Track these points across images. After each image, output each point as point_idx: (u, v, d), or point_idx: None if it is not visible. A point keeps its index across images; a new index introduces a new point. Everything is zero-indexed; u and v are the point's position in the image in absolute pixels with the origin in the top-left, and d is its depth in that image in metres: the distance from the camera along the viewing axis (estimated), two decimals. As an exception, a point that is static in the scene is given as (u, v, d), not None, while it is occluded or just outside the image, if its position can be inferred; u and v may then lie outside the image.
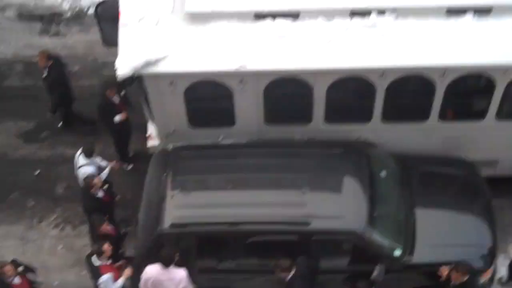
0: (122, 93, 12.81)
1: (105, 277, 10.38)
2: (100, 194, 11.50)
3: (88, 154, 11.99)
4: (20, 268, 10.56)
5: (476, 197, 11.43)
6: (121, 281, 10.55)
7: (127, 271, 10.59)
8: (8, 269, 10.29)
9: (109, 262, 10.54)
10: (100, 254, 10.37)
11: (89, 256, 10.60)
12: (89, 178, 11.37)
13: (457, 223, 11.01)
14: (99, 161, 12.20)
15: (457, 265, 9.92)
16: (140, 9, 11.40)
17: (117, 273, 10.62)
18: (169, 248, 10.18)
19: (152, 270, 10.19)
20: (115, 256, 10.82)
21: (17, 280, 10.46)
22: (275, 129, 11.77)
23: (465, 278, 9.87)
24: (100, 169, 11.98)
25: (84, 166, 11.95)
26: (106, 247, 10.35)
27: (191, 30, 11.12)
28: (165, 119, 11.75)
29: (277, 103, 11.61)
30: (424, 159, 11.88)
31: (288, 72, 11.03)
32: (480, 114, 11.62)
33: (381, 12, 10.94)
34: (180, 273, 10.16)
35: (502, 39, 10.82)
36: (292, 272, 10.01)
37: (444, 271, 10.21)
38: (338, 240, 10.51)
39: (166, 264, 10.06)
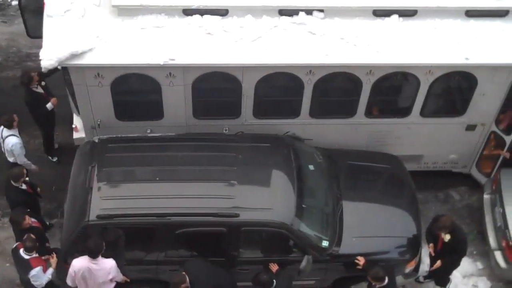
0: (43, 83, 12.55)
1: (36, 269, 10.14)
2: (24, 186, 11.22)
3: (9, 125, 11.83)
4: None
5: (401, 190, 11.67)
6: (49, 272, 10.34)
7: (54, 261, 10.38)
8: None
9: (36, 255, 10.26)
10: (29, 248, 10.10)
11: (16, 250, 10.32)
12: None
13: (383, 215, 11.20)
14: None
15: (370, 274, 10.04)
16: (66, 1, 11.17)
17: (45, 265, 10.38)
18: (96, 238, 9.99)
19: (80, 262, 9.98)
20: (42, 249, 10.54)
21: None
22: (204, 123, 11.76)
23: (384, 283, 10.01)
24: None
25: (9, 137, 11.82)
26: (33, 240, 10.12)
27: (118, 23, 11.00)
28: (90, 111, 11.54)
29: (206, 97, 11.60)
30: (351, 154, 12.06)
31: (216, 67, 11.05)
32: (405, 111, 11.90)
33: (309, 12, 11.08)
34: (109, 263, 9.99)
35: (426, 39, 11.11)
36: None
37: (361, 259, 10.40)
38: (266, 232, 10.52)
39: (94, 255, 9.87)
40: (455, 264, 10.95)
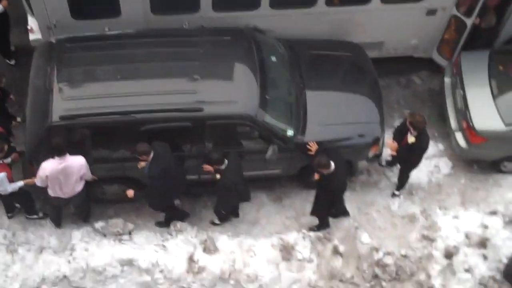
0: None
1: (1, 175, 10.10)
2: None
3: None
4: None
5: (363, 77, 11.72)
6: (18, 184, 10.34)
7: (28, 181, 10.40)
8: None
9: (0, 161, 10.24)
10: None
11: None
12: None
13: (346, 102, 11.30)
14: None
15: (314, 163, 10.08)
16: None
17: (10, 171, 10.35)
18: (58, 137, 9.97)
19: (50, 164, 9.98)
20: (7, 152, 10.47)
21: None
22: (163, 19, 11.53)
23: (330, 169, 10.05)
24: None
25: None
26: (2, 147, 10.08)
27: None
28: (45, 11, 11.22)
29: (164, -10, 11.34)
30: (312, 43, 12.00)
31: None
32: (366, -2, 11.80)
33: None
34: (78, 160, 10.06)
35: None
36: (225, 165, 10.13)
37: (313, 145, 10.55)
38: (232, 124, 10.58)
39: (61, 153, 9.87)
40: (412, 165, 11.13)
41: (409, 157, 10.91)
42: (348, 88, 11.47)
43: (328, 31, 12.15)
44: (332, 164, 9.96)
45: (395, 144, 10.83)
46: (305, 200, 11.44)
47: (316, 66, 11.65)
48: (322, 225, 11.14)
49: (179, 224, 11.01)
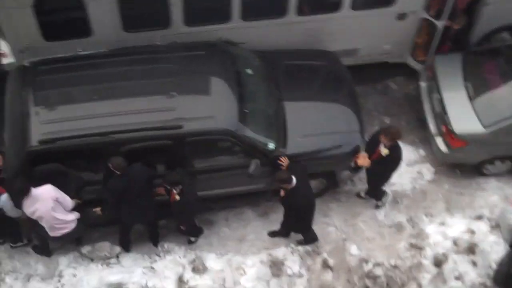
0: None
1: (4, 196, 10.09)
2: None
3: None
4: None
5: (340, 86, 11.68)
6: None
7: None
8: None
9: None
10: None
11: None
12: None
13: (325, 112, 11.24)
14: None
15: (276, 178, 10.07)
16: None
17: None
18: (17, 179, 9.86)
19: (24, 206, 9.87)
20: None
21: None
22: (135, 36, 11.41)
23: (292, 184, 9.97)
24: None
25: None
26: None
27: None
28: (16, 35, 11.09)
29: (134, 9, 11.21)
30: (287, 54, 11.95)
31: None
32: (337, 6, 11.77)
33: None
34: (44, 189, 9.89)
35: None
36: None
37: (284, 160, 10.48)
38: (212, 140, 10.50)
39: (26, 193, 9.74)
40: (384, 178, 11.11)
41: (382, 170, 10.85)
42: (326, 97, 11.43)
43: (301, 41, 12.11)
44: (294, 179, 9.93)
45: (366, 160, 10.70)
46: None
47: (292, 76, 11.60)
48: (308, 239, 11.09)
49: (166, 245, 10.92)
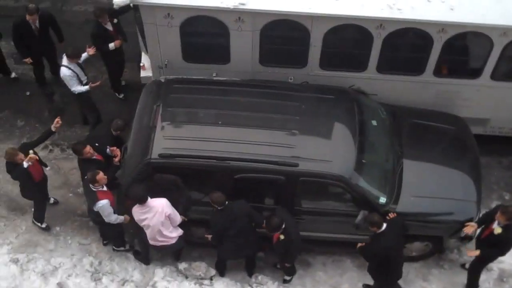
0: (115, 21, 12.61)
1: (102, 202, 10.34)
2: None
3: (72, 56, 11.92)
4: (31, 152, 10.86)
5: (464, 153, 11.43)
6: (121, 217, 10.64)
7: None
8: (19, 158, 10.64)
9: (104, 188, 10.47)
10: (93, 182, 10.31)
11: (86, 181, 10.55)
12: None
13: (443, 176, 11.02)
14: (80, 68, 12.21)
15: (367, 218, 10.04)
16: None
17: (112, 199, 10.58)
18: (137, 185, 10.24)
19: (134, 210, 10.26)
20: (111, 184, 10.78)
21: (26, 164, 10.74)
22: (269, 71, 11.71)
23: (382, 228, 9.92)
24: (78, 76, 12.06)
25: (62, 67, 11.97)
26: (100, 176, 10.29)
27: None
28: (159, 51, 11.62)
29: (274, 44, 11.53)
30: (415, 112, 11.85)
31: (286, 14, 10.91)
32: (476, 73, 11.58)
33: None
34: (159, 202, 10.18)
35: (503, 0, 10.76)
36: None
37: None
38: (324, 184, 10.49)
39: (141, 200, 10.10)
40: (492, 258, 10.66)
41: (490, 249, 10.35)
42: (447, 162, 11.20)
43: (433, 101, 11.98)
44: (385, 225, 9.90)
45: (473, 229, 10.38)
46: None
47: (417, 135, 11.48)
48: None
49: (260, 277, 11.00)
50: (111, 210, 10.45)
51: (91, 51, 12.36)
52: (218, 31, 11.24)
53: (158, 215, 10.15)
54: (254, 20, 11.01)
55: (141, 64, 12.42)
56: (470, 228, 10.39)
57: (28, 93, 13.77)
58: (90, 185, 10.37)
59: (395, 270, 10.35)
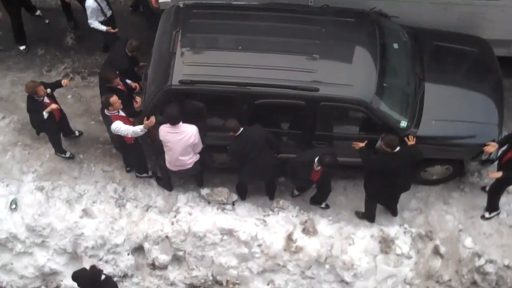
0: None
1: (116, 123, 10.45)
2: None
3: None
4: (48, 90, 11.03)
5: (487, 75, 11.27)
6: (139, 127, 10.55)
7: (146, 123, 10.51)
8: (41, 89, 10.80)
9: (118, 113, 10.55)
10: (107, 105, 10.38)
11: (102, 108, 10.65)
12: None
13: (465, 99, 10.94)
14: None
15: (384, 139, 10.01)
16: None
17: (129, 123, 10.69)
18: (174, 105, 10.23)
19: (162, 128, 10.29)
20: (130, 112, 10.91)
21: (47, 100, 10.98)
22: (289, -6, 11.52)
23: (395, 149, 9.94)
24: (102, 9, 12.07)
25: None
26: (114, 99, 10.34)
27: None
28: (176, -24, 11.46)
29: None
30: (438, 34, 11.62)
31: None
32: (499, -7, 11.33)
33: None
34: (190, 128, 10.25)
35: None
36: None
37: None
38: (345, 108, 10.50)
39: (174, 122, 10.12)
40: (507, 183, 10.66)
41: (508, 175, 10.34)
42: (469, 85, 11.09)
43: (455, 23, 11.72)
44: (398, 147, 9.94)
45: (494, 148, 10.35)
46: (410, 195, 11.22)
47: (439, 58, 11.30)
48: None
49: (281, 202, 11.13)
50: (127, 126, 10.50)
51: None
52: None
53: (185, 141, 10.23)
54: None
55: (159, -11, 12.26)
56: (491, 148, 10.36)
57: (47, 21, 13.66)
58: (105, 110, 10.48)
59: (400, 185, 10.53)
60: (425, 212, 11.32)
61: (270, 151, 10.60)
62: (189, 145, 10.32)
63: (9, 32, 13.38)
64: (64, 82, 11.36)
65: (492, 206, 11.10)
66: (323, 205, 11.41)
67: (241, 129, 10.20)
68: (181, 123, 10.18)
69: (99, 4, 11.94)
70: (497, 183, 10.77)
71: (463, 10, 11.58)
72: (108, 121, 10.54)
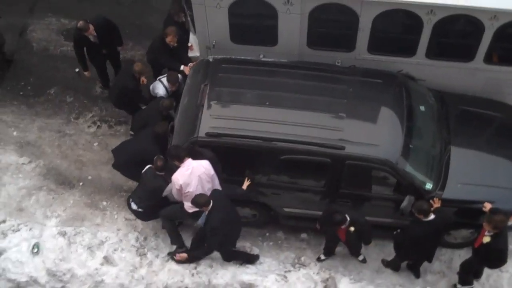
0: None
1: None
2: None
3: (173, 82, 11.97)
4: None
5: (510, 141, 11.27)
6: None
7: None
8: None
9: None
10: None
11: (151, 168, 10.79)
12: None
13: (491, 164, 10.93)
14: None
15: (416, 205, 9.95)
16: None
17: None
18: (175, 147, 10.44)
19: (177, 173, 10.33)
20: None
21: None
22: (316, 54, 11.65)
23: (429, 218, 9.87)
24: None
25: (161, 85, 12.11)
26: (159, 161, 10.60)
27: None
28: (207, 32, 11.67)
29: (322, 27, 11.48)
30: (464, 98, 11.73)
31: (335, -2, 10.87)
32: (526, 60, 11.42)
33: None
34: (200, 161, 10.28)
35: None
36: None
37: (488, 205, 10.17)
38: (370, 168, 10.49)
39: (180, 159, 10.23)
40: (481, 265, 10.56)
41: (482, 258, 10.24)
42: (494, 150, 11.09)
43: (481, 88, 11.84)
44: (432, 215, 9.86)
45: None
46: (435, 258, 10.99)
47: (465, 122, 11.38)
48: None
49: (303, 258, 11.07)
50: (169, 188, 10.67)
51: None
52: (267, 13, 11.21)
53: (202, 174, 10.21)
54: (303, 3, 10.97)
55: (189, 44, 12.46)
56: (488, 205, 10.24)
57: (77, 70, 13.88)
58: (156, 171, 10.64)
59: (429, 253, 10.41)
60: (448, 276, 11.19)
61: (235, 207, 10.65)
62: (207, 178, 10.30)
63: (39, 78, 13.65)
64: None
65: (465, 282, 10.95)
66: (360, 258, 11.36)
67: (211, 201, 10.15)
68: (189, 159, 10.25)
69: (166, 90, 12.11)
70: (469, 261, 10.66)
71: (490, 76, 11.67)
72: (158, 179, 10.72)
